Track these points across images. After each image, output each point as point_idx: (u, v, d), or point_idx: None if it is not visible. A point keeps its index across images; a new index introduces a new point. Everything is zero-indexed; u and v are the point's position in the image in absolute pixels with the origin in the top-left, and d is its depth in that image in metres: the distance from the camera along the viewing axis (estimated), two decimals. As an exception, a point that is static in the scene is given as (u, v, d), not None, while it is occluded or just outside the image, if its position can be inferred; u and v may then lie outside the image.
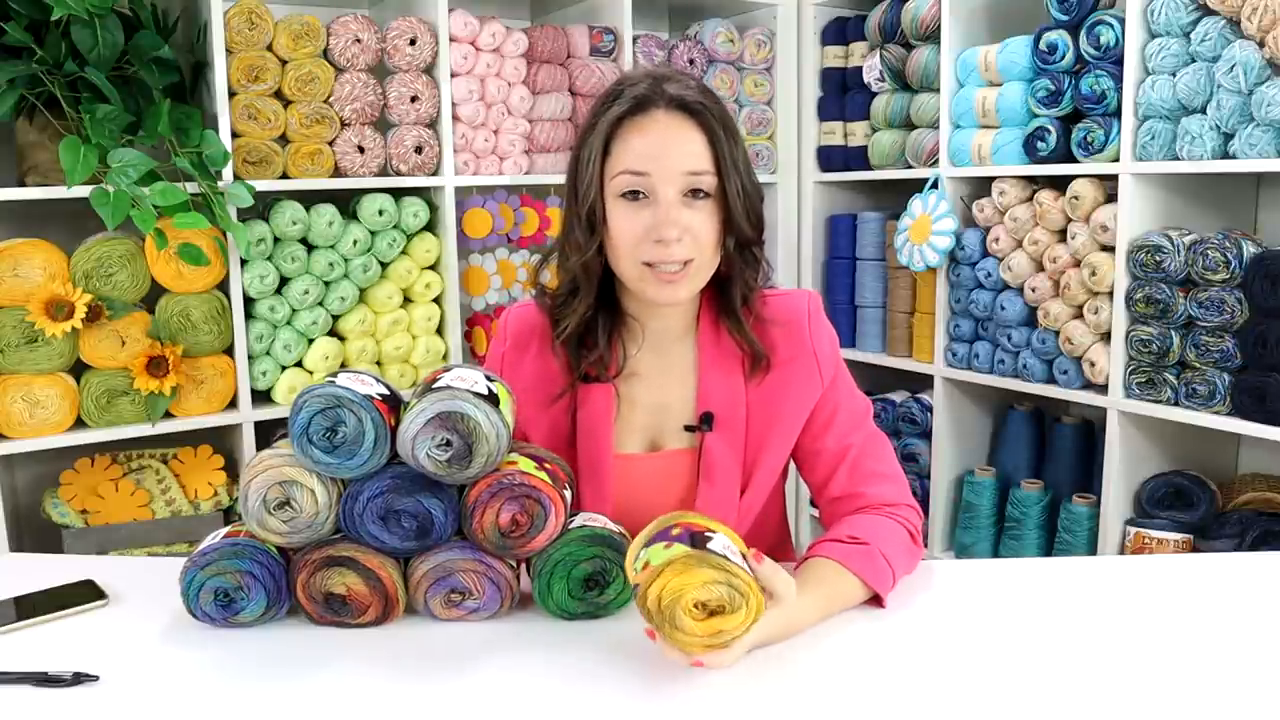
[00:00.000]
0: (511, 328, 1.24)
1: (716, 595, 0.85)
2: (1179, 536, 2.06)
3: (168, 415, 2.04)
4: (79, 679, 0.90)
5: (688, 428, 1.18)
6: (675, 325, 1.19)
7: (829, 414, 1.19)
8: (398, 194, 2.23)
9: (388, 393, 1.01)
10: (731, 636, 0.86)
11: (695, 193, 1.09)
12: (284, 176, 2.12)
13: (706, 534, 0.89)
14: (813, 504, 1.36)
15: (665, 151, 1.08)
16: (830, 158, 2.77)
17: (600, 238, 1.11)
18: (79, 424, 1.98)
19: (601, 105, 1.12)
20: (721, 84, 2.62)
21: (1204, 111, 1.90)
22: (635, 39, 2.50)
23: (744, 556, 0.90)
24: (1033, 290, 2.24)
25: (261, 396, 2.17)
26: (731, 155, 1.09)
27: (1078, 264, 2.14)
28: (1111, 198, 2.07)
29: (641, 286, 1.11)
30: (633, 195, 1.09)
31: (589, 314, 1.16)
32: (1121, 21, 2.00)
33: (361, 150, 2.17)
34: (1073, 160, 2.13)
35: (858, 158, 2.69)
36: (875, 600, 1.06)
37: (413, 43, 2.18)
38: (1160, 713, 0.85)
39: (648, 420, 1.20)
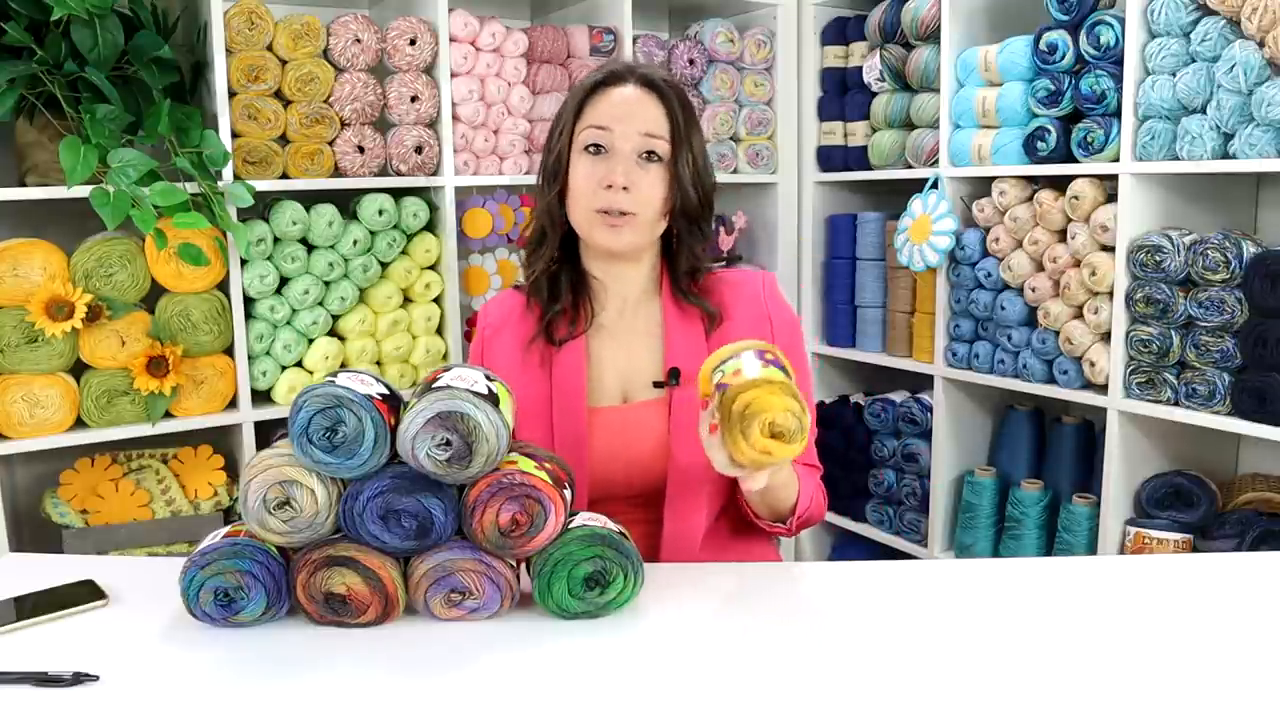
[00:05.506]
0: (491, 312, 1.41)
1: (789, 425, 0.92)
2: (1179, 536, 2.06)
3: (168, 415, 2.05)
4: (79, 679, 0.90)
5: (656, 384, 1.30)
6: (636, 288, 1.34)
7: None
8: (398, 194, 2.23)
9: (388, 392, 1.02)
10: (774, 462, 0.94)
11: (649, 155, 1.25)
12: (284, 176, 2.11)
13: (788, 370, 0.97)
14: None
15: (628, 113, 1.25)
16: (830, 158, 2.77)
17: (560, 185, 1.28)
18: (79, 424, 1.98)
19: (582, 81, 1.31)
20: (721, 84, 2.61)
21: (1204, 111, 1.90)
22: (635, 39, 2.50)
23: None
24: (1033, 290, 2.23)
25: (261, 396, 2.16)
26: (687, 133, 1.27)
27: (1078, 264, 2.14)
28: (1111, 198, 2.07)
29: (590, 231, 1.27)
30: (594, 149, 1.25)
31: (555, 264, 1.32)
32: (1121, 21, 2.00)
33: (361, 150, 2.17)
34: (1073, 160, 2.13)
35: (858, 158, 2.69)
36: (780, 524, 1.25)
37: (413, 43, 2.18)
38: (1160, 713, 0.85)
39: (618, 376, 1.33)
